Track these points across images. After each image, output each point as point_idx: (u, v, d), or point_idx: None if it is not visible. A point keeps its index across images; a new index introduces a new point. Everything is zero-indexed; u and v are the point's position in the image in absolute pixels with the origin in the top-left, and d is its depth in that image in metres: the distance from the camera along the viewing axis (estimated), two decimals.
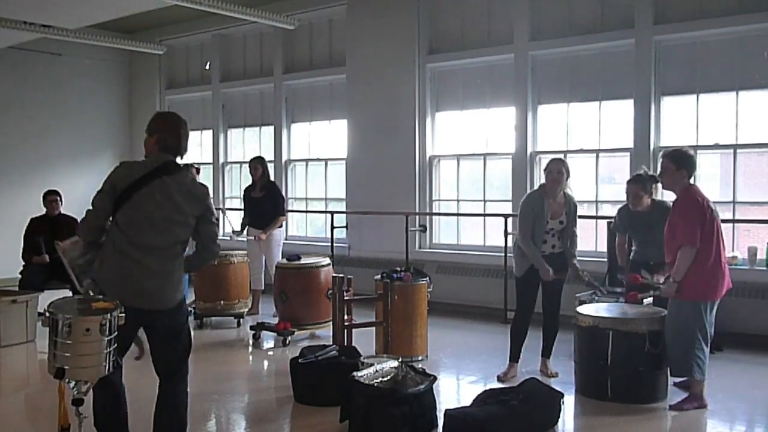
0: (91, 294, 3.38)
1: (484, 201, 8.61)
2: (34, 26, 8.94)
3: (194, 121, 11.79)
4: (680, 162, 4.78)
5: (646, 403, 4.83)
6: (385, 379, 4.39)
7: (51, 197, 7.72)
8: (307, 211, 10.40)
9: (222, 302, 7.54)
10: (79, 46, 10.62)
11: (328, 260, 7.16)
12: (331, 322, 5.78)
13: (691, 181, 4.86)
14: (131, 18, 9.38)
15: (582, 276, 5.47)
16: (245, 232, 8.07)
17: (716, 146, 7.12)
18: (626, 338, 4.84)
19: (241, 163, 11.07)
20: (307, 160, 10.31)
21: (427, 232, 8.85)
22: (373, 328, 6.03)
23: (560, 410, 4.50)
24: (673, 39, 7.20)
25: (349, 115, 9.48)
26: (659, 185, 5.27)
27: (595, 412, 4.80)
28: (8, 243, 8.33)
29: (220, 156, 11.27)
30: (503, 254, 7.69)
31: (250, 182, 8.17)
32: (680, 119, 7.30)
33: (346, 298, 5.59)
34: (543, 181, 5.50)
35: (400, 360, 4.71)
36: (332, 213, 9.42)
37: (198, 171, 8.73)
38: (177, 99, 11.98)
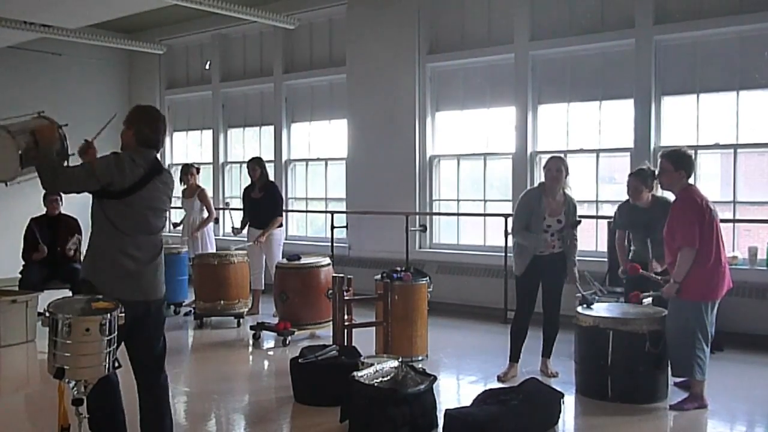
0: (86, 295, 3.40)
1: (484, 201, 8.61)
2: (34, 26, 8.94)
3: (194, 121, 11.85)
4: (678, 162, 4.78)
5: (647, 403, 4.82)
6: (385, 379, 4.39)
7: (51, 197, 7.72)
8: (307, 211, 10.40)
9: (222, 302, 7.54)
10: (79, 46, 10.62)
11: (328, 260, 7.16)
12: (331, 322, 5.78)
13: (690, 181, 4.86)
14: (131, 18, 9.38)
15: (578, 282, 5.46)
16: (245, 231, 8.08)
17: (716, 146, 7.12)
18: (626, 338, 4.83)
19: (241, 162, 11.06)
20: (307, 160, 10.31)
21: (427, 232, 8.85)
22: (373, 328, 6.03)
23: (560, 410, 4.50)
24: (674, 39, 7.20)
25: (349, 114, 9.48)
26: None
27: (595, 412, 4.80)
28: (8, 243, 8.33)
29: (220, 156, 11.28)
30: (503, 254, 7.69)
31: (249, 182, 8.17)
32: (680, 119, 7.30)
33: (346, 298, 5.59)
34: (543, 179, 5.50)
35: (400, 360, 4.71)
36: (332, 213, 9.42)
37: (198, 171, 8.74)
38: (177, 99, 11.99)
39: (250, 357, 6.72)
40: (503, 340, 5.86)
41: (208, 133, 11.49)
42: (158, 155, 3.72)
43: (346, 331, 5.57)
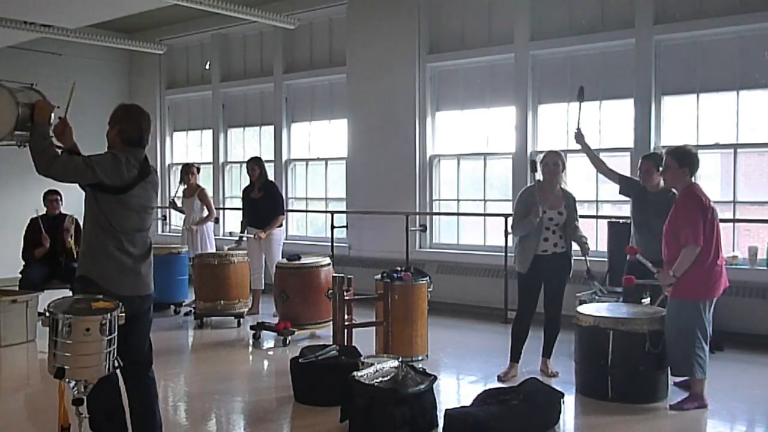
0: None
1: (485, 201, 8.61)
2: (34, 26, 8.94)
3: (194, 121, 11.85)
4: (683, 160, 4.78)
5: (647, 403, 4.82)
6: (385, 379, 4.38)
7: (51, 197, 7.73)
8: (307, 211, 10.40)
9: (222, 302, 7.54)
10: (79, 46, 10.62)
11: (328, 260, 7.16)
12: (331, 322, 5.78)
13: (693, 179, 4.85)
14: (131, 18, 9.37)
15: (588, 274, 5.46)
16: (245, 232, 8.08)
17: (716, 146, 7.12)
18: (626, 338, 4.83)
19: (241, 162, 11.05)
20: (307, 160, 10.31)
21: (427, 231, 8.85)
22: (373, 328, 6.02)
23: (560, 410, 4.50)
24: (674, 39, 7.20)
25: (349, 114, 9.48)
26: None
27: (595, 412, 4.80)
28: (8, 243, 8.33)
29: (220, 156, 11.27)
30: (503, 254, 7.70)
31: (248, 183, 8.17)
32: (680, 119, 7.30)
33: (346, 297, 5.58)
34: (539, 176, 5.50)
35: (400, 360, 4.70)
36: (332, 213, 9.42)
37: (198, 170, 8.74)
38: (177, 99, 11.99)
39: (250, 357, 6.72)
40: (503, 340, 5.86)
41: (208, 133, 11.49)
42: (146, 154, 3.77)
43: (346, 331, 5.57)
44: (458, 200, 8.89)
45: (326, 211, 9.78)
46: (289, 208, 10.25)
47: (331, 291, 5.62)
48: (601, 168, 5.79)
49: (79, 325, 3.02)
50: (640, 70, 7.29)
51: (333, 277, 5.72)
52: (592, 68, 7.72)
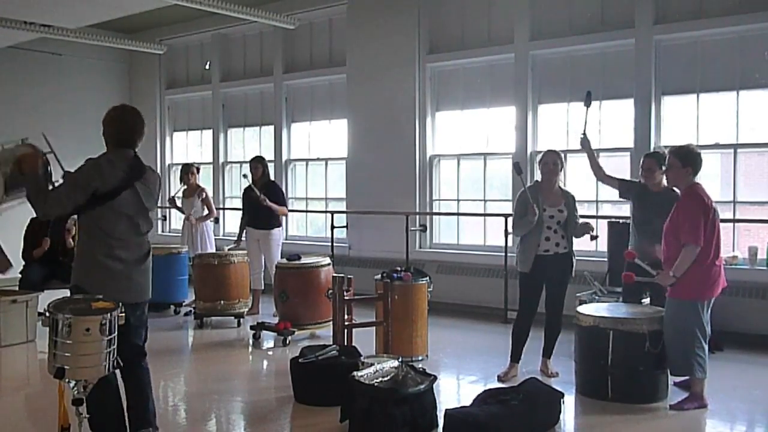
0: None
1: (485, 201, 8.61)
2: (34, 26, 8.94)
3: (194, 121, 11.85)
4: (686, 159, 4.78)
5: (647, 403, 4.82)
6: (385, 379, 4.38)
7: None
8: (307, 211, 10.40)
9: (222, 302, 7.54)
10: (79, 46, 10.62)
11: (328, 260, 7.16)
12: (331, 322, 5.77)
13: (696, 179, 4.85)
14: (131, 18, 9.37)
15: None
16: (244, 232, 8.08)
17: (716, 146, 7.12)
18: (626, 338, 4.83)
19: (241, 162, 11.07)
20: (307, 160, 10.31)
21: (427, 231, 8.85)
22: (373, 328, 6.02)
23: (560, 410, 4.50)
24: (674, 39, 7.20)
25: (349, 114, 9.48)
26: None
27: (595, 412, 4.80)
28: (8, 243, 8.31)
29: (220, 156, 11.27)
30: (503, 254, 7.70)
31: (249, 182, 8.16)
32: (680, 119, 7.30)
33: (346, 298, 5.58)
34: (538, 176, 5.51)
35: (400, 360, 4.70)
36: (332, 213, 9.42)
37: (198, 170, 8.75)
38: (177, 99, 11.99)
39: (250, 357, 6.72)
40: (503, 340, 5.85)
41: (208, 133, 11.49)
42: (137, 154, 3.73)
43: (346, 331, 5.57)
44: (458, 200, 8.89)
45: (326, 211, 9.78)
46: (290, 208, 10.24)
47: (331, 291, 5.62)
48: (600, 174, 5.78)
49: (79, 325, 3.03)
50: (640, 70, 7.29)
51: (333, 277, 5.72)
52: (592, 68, 7.72)
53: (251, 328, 6.96)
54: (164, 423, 4.52)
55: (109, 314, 3.10)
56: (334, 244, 9.17)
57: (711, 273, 4.69)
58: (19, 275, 7.52)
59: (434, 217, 8.94)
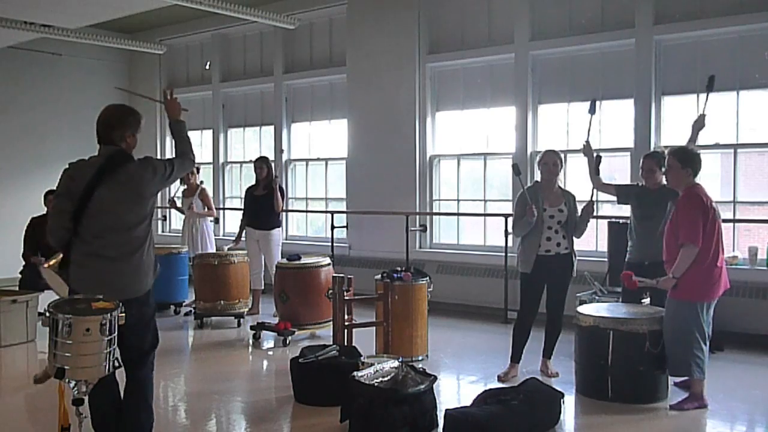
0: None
1: (485, 201, 8.61)
2: (34, 26, 8.94)
3: (194, 121, 11.80)
4: (686, 160, 4.77)
5: (647, 403, 4.82)
6: (385, 379, 4.38)
7: (51, 197, 7.72)
8: (307, 211, 10.40)
9: (222, 302, 7.54)
10: (79, 46, 10.62)
11: (328, 260, 7.16)
12: (331, 322, 5.78)
13: (696, 180, 4.84)
14: (131, 18, 9.38)
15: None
16: (243, 232, 8.09)
17: (716, 146, 7.11)
18: (626, 338, 4.83)
19: (241, 162, 11.08)
20: (307, 160, 10.31)
21: (427, 231, 8.85)
22: (373, 328, 6.02)
23: (560, 410, 4.50)
24: (674, 39, 7.20)
25: (349, 114, 9.48)
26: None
27: (595, 412, 4.80)
28: (8, 243, 8.33)
29: (220, 156, 11.28)
30: (503, 254, 7.69)
31: (251, 182, 8.18)
32: (680, 119, 7.28)
33: (346, 298, 5.58)
34: (538, 176, 5.51)
35: (400, 360, 4.71)
36: (332, 213, 9.42)
37: (198, 170, 8.74)
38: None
39: (250, 357, 6.72)
40: (503, 340, 5.85)
41: (208, 133, 11.48)
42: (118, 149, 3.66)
43: (346, 331, 5.57)
44: (458, 200, 8.89)
45: (326, 211, 9.78)
46: (289, 208, 10.26)
47: (331, 291, 5.62)
48: (597, 182, 5.77)
49: (79, 325, 3.02)
50: (640, 70, 7.29)
51: (333, 277, 5.72)
52: (592, 68, 7.72)
53: (251, 328, 6.96)
54: (164, 423, 4.53)
55: (109, 314, 3.10)
56: (334, 244, 9.17)
57: (711, 274, 4.68)
58: (19, 275, 7.53)
59: (434, 217, 8.94)
